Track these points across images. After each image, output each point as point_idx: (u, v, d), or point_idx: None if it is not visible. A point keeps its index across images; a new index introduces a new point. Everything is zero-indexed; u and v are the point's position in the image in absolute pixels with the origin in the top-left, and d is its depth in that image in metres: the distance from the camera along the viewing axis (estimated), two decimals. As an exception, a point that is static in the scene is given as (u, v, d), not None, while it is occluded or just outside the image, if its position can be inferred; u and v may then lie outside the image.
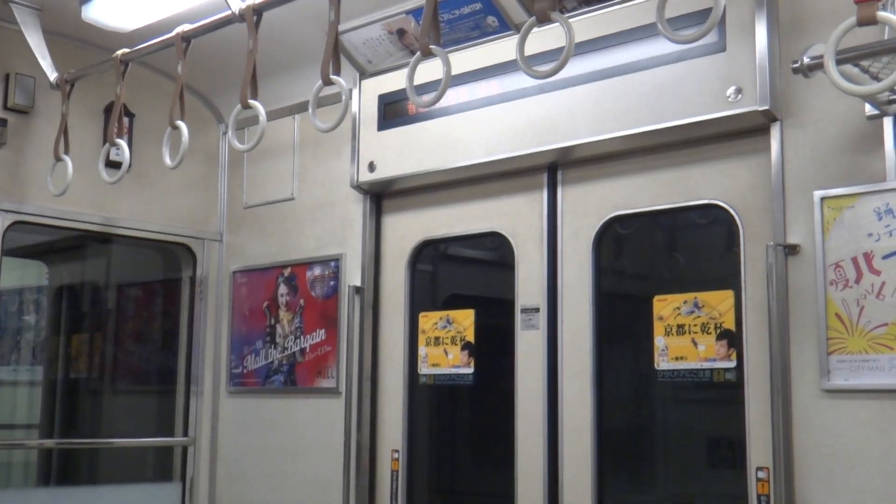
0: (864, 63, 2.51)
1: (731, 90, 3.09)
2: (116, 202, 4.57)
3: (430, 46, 2.74)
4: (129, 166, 3.77)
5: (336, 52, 3.01)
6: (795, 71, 2.54)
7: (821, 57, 2.38)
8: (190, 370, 4.82)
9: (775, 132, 3.07)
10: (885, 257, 2.79)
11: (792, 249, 2.98)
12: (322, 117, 3.06)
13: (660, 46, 3.26)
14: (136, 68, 3.93)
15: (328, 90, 3.07)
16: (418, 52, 2.78)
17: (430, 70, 2.95)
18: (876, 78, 2.55)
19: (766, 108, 3.02)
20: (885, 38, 2.63)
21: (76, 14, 4.09)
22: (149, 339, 5.24)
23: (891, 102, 2.77)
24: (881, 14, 2.14)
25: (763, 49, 3.03)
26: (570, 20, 2.60)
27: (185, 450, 4.77)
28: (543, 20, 2.55)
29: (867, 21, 2.15)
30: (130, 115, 4.48)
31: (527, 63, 2.61)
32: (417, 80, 2.83)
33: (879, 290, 2.79)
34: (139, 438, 4.98)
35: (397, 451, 4.08)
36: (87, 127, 4.45)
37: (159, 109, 4.26)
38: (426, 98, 2.78)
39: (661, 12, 2.43)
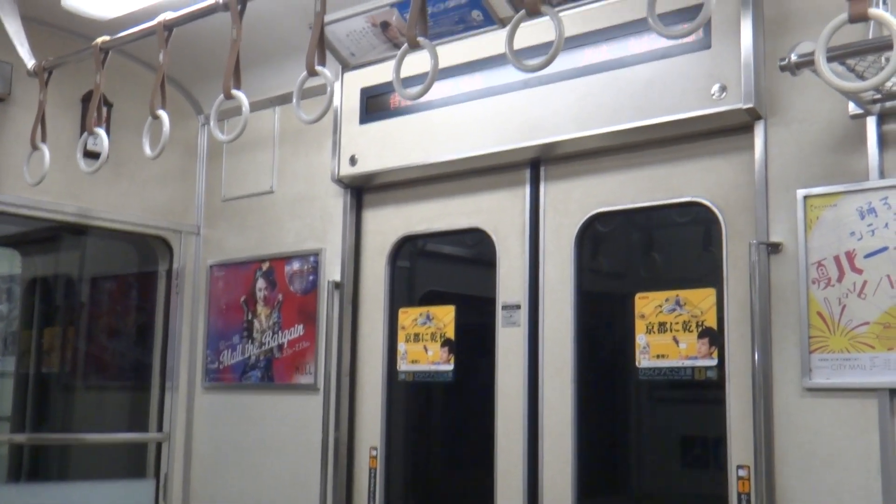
0: (850, 62, 2.51)
1: (716, 88, 3.09)
2: (93, 193, 4.51)
3: (418, 38, 2.73)
4: (107, 157, 3.72)
5: (321, 43, 2.99)
6: (783, 69, 2.53)
7: (809, 55, 2.38)
8: (165, 365, 4.77)
9: (759, 130, 3.07)
10: (867, 256, 2.80)
11: (774, 248, 2.98)
12: (304, 109, 3.04)
13: (644, 43, 3.27)
14: (114, 57, 3.86)
15: (311, 82, 3.04)
16: (405, 44, 2.76)
17: (414, 64, 2.92)
18: (861, 77, 2.55)
19: (750, 106, 3.02)
20: (870, 36, 2.65)
21: (56, 1, 4.03)
22: (123, 332, 5.18)
23: (874, 102, 2.79)
24: (872, 11, 2.13)
25: (748, 47, 3.04)
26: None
27: (159, 446, 4.71)
28: (533, 13, 2.53)
29: (859, 18, 2.14)
30: (108, 105, 4.42)
31: (516, 56, 2.59)
32: (401, 74, 2.81)
33: (861, 288, 2.80)
34: (113, 434, 4.91)
35: (375, 448, 4.05)
36: (64, 116, 4.39)
37: (137, 99, 4.22)
38: (413, 91, 2.76)
39: (651, 7, 2.43)
